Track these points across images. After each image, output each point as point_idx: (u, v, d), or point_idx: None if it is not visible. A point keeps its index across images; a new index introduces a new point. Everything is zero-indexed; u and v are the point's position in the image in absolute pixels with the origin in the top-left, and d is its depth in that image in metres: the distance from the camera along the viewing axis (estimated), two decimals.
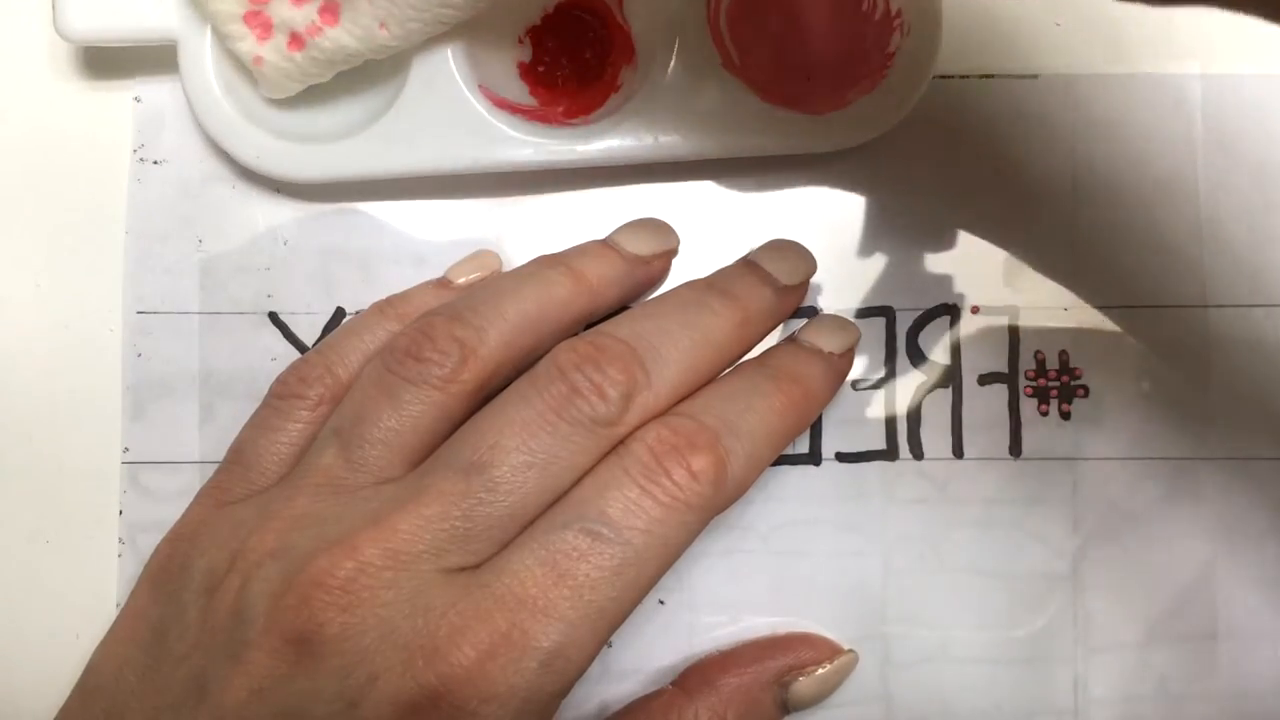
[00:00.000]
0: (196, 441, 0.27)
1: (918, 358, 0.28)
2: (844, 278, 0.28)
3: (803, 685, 0.26)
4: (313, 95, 0.27)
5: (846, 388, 0.27)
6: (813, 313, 0.27)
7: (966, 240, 0.28)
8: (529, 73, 0.28)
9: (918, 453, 0.27)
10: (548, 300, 0.24)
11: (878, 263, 0.28)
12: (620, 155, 0.26)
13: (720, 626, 0.27)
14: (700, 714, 0.25)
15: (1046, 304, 0.28)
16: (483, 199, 0.28)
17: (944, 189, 0.28)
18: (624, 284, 0.26)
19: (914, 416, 0.27)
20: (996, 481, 0.27)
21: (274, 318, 0.28)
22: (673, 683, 0.26)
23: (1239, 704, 0.27)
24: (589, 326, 0.25)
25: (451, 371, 0.23)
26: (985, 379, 0.28)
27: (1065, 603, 0.27)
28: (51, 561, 0.27)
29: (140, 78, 0.28)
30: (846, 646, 0.27)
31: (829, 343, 0.26)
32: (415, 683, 0.20)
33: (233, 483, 0.24)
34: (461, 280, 0.27)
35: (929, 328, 0.28)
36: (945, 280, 0.28)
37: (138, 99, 0.28)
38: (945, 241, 0.28)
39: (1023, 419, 0.27)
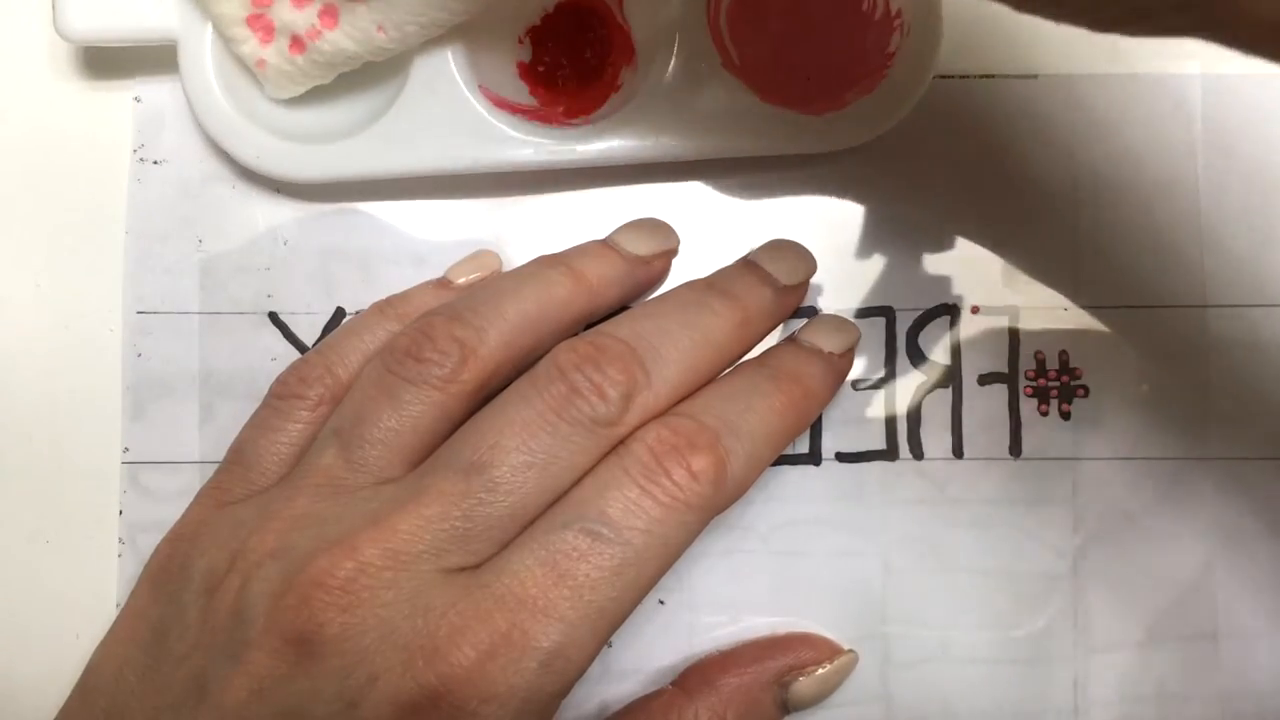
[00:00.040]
0: (196, 441, 0.27)
1: (918, 358, 0.28)
2: (844, 278, 0.28)
3: (803, 685, 0.26)
4: (313, 95, 0.27)
5: (846, 388, 0.27)
6: (813, 313, 0.27)
7: (966, 240, 0.28)
8: (529, 73, 0.28)
9: (918, 453, 0.27)
10: (548, 300, 0.24)
11: (878, 263, 0.28)
12: (620, 155, 0.26)
13: (720, 626, 0.27)
14: (700, 714, 0.25)
15: (1046, 304, 0.28)
16: (483, 199, 0.28)
17: (944, 189, 0.28)
18: (624, 284, 0.26)
19: (914, 416, 0.27)
20: (996, 481, 0.27)
21: (274, 318, 0.28)
22: (673, 683, 0.26)
23: (1239, 704, 0.27)
24: (589, 326, 0.25)
25: (451, 371, 0.23)
26: (985, 379, 0.28)
27: (1065, 603, 0.27)
28: (51, 561, 0.27)
29: (140, 78, 0.28)
30: (846, 646, 0.27)
31: (829, 343, 0.26)
32: (415, 683, 0.20)
33: (233, 483, 0.24)
34: (461, 280, 0.27)
35: (929, 328, 0.28)
36: (945, 280, 0.28)
37: (138, 99, 0.28)
38: (945, 241, 0.28)
39: (1023, 419, 0.27)
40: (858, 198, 0.28)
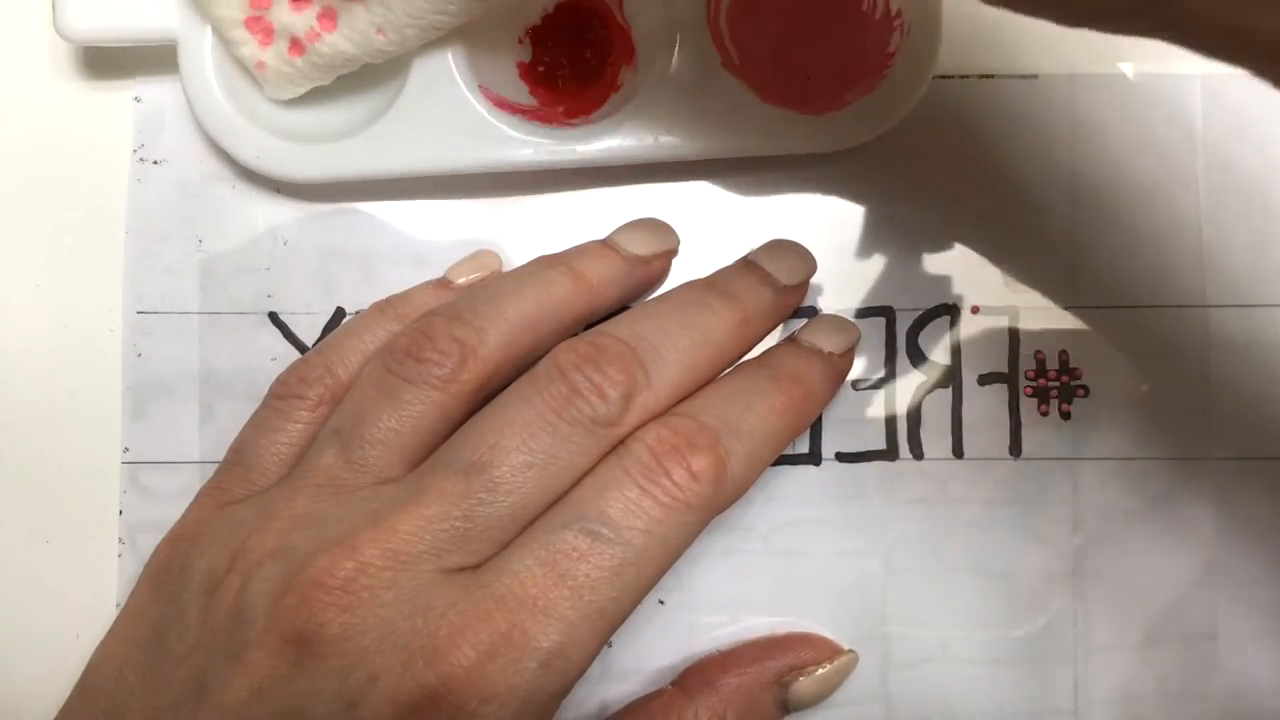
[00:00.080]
0: (196, 441, 0.27)
1: (918, 358, 0.28)
2: (844, 278, 0.28)
3: (803, 685, 0.26)
4: (313, 95, 0.27)
5: (846, 388, 0.27)
6: (813, 313, 0.27)
7: (966, 240, 0.28)
8: (529, 73, 0.28)
9: (918, 453, 0.27)
10: (548, 300, 0.24)
11: (877, 263, 0.28)
12: (620, 155, 0.26)
13: (720, 626, 0.27)
14: (700, 714, 0.25)
15: (1046, 304, 0.28)
16: (483, 199, 0.28)
17: (944, 189, 0.28)
18: (624, 284, 0.26)
19: (914, 416, 0.27)
20: (996, 481, 0.27)
21: (274, 318, 0.28)
22: (673, 683, 0.26)
23: (1239, 704, 0.27)
24: (589, 326, 0.25)
25: (451, 371, 0.23)
26: (985, 379, 0.28)
27: (1065, 603, 0.27)
28: (51, 561, 0.27)
29: (140, 78, 0.28)
30: (846, 646, 0.27)
31: (829, 343, 0.26)
32: (415, 683, 0.20)
33: (233, 483, 0.24)
34: (461, 280, 0.27)
35: (929, 328, 0.28)
36: (945, 280, 0.28)
37: (138, 99, 0.28)
38: (945, 241, 0.28)
39: (1023, 419, 0.27)
40: (858, 198, 0.28)
